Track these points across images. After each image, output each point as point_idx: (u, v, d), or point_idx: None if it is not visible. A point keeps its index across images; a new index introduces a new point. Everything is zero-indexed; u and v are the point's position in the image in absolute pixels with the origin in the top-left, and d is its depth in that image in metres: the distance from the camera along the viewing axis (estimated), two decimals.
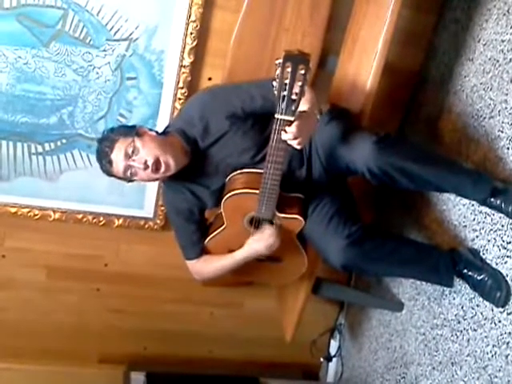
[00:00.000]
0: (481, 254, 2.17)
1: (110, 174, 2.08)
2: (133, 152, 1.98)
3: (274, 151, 1.84)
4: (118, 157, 2.00)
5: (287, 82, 1.60)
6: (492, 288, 2.05)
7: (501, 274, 2.05)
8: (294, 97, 1.64)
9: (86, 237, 2.90)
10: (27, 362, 3.09)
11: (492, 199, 2.01)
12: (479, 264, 2.14)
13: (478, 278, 2.11)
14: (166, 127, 2.23)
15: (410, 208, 2.72)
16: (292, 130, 1.72)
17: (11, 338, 3.08)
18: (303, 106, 1.79)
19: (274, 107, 1.70)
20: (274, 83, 1.63)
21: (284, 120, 1.71)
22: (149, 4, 2.38)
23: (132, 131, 2.04)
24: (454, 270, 2.21)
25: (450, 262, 2.22)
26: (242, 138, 2.10)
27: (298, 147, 1.80)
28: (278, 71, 1.59)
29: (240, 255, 2.23)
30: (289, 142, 1.76)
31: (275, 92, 1.64)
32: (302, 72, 1.58)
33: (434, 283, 2.35)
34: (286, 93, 1.63)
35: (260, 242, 2.15)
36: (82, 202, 2.77)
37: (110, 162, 2.02)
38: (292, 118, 1.70)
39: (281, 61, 1.58)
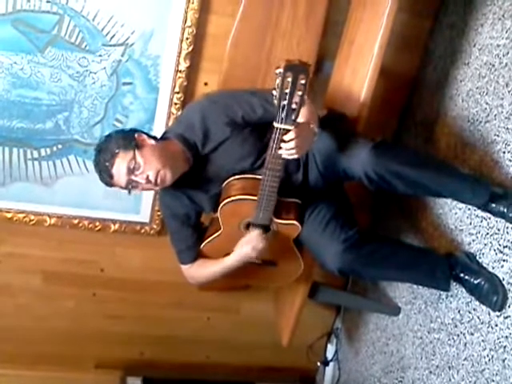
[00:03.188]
0: (477, 257, 2.17)
1: (109, 185, 2.07)
2: (134, 168, 1.97)
3: (273, 159, 1.85)
4: (119, 172, 1.98)
5: (287, 91, 1.60)
6: (489, 292, 2.05)
7: (497, 277, 2.05)
8: (293, 106, 1.64)
9: (82, 242, 2.89)
10: (23, 367, 3.09)
11: (493, 204, 2.00)
12: (476, 268, 2.14)
13: (475, 281, 2.11)
14: (165, 132, 2.22)
15: (406, 212, 2.72)
16: (290, 137, 1.72)
17: (7, 344, 3.08)
18: (302, 119, 1.80)
19: (274, 118, 1.71)
20: (274, 92, 1.63)
21: (283, 129, 1.71)
22: (144, 9, 2.38)
23: (131, 142, 2.01)
24: (451, 275, 2.22)
25: (447, 267, 2.22)
26: (241, 144, 2.10)
27: (295, 157, 1.80)
28: (278, 80, 1.59)
29: (230, 260, 2.23)
30: (286, 151, 1.77)
31: (275, 101, 1.64)
32: (303, 82, 1.59)
33: (431, 287, 2.35)
34: (286, 102, 1.63)
35: (247, 245, 2.14)
36: (78, 207, 2.77)
37: (111, 176, 2.01)
38: (291, 128, 1.71)
39: (281, 70, 1.58)
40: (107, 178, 2.03)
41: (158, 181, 1.98)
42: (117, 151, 1.99)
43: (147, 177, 1.97)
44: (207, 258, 2.32)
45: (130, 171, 1.98)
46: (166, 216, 2.33)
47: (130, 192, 2.06)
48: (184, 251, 2.32)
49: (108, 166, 2.00)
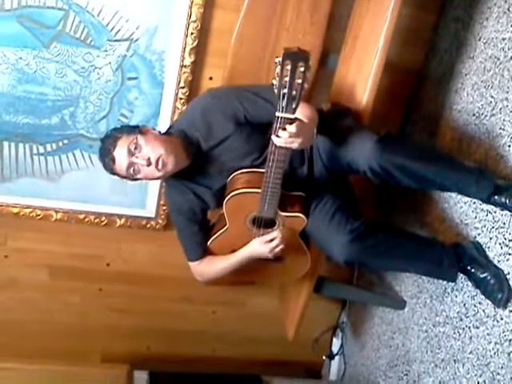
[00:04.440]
0: (485, 248, 2.17)
1: (112, 171, 2.07)
2: (135, 149, 1.98)
3: (276, 150, 1.84)
4: (120, 154, 2.00)
5: (287, 79, 1.60)
6: (494, 288, 2.05)
7: (503, 273, 2.05)
8: (294, 94, 1.64)
9: (88, 237, 2.90)
10: (30, 361, 3.08)
11: (496, 197, 2.00)
12: (483, 261, 2.13)
13: (481, 275, 2.11)
14: (169, 127, 2.23)
15: (411, 206, 2.72)
16: (292, 129, 1.73)
17: (14, 338, 3.09)
18: (304, 118, 1.81)
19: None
20: (274, 81, 1.62)
21: (284, 118, 1.71)
22: (149, 4, 2.38)
23: (135, 129, 2.05)
24: (458, 265, 2.21)
25: (454, 257, 2.21)
26: (245, 141, 2.10)
27: (294, 146, 1.80)
28: (278, 69, 1.59)
29: (243, 254, 2.24)
30: (288, 139, 1.77)
31: (275, 90, 1.64)
32: (302, 69, 1.58)
33: (438, 278, 2.35)
34: (285, 90, 1.63)
35: (265, 245, 2.16)
36: (84, 202, 2.78)
37: (113, 160, 2.02)
38: (292, 116, 1.70)
39: (280, 59, 1.58)
40: (109, 163, 2.04)
41: (160, 165, 1.99)
42: (120, 136, 2.02)
43: (148, 158, 1.98)
44: (215, 254, 2.33)
45: (131, 153, 1.99)
46: (172, 211, 2.34)
47: (133, 179, 2.07)
48: (191, 248, 2.33)
49: (110, 148, 2.01)
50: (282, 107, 1.68)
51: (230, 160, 2.14)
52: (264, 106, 2.04)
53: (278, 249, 2.16)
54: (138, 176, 2.05)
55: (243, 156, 2.13)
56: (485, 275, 2.09)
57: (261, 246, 2.18)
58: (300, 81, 1.61)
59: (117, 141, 2.01)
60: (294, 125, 1.72)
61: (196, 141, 2.11)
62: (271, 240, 2.15)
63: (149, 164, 1.99)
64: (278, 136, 1.76)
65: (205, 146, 2.12)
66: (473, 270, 2.15)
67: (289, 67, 1.58)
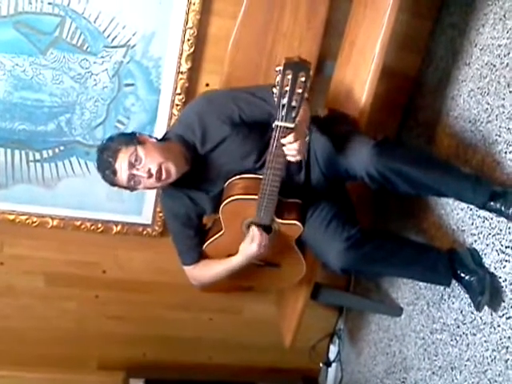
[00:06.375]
0: (481, 255, 2.17)
1: (113, 183, 2.06)
2: (136, 161, 1.97)
3: (274, 158, 1.84)
4: (121, 166, 1.98)
5: (287, 89, 1.60)
6: (476, 292, 2.07)
7: (491, 279, 2.05)
8: (294, 104, 1.64)
9: (85, 244, 2.90)
10: (26, 369, 3.09)
11: (491, 203, 1.99)
12: (472, 267, 2.14)
13: (468, 280, 2.13)
14: (165, 134, 2.23)
15: (408, 213, 2.72)
16: (289, 140, 1.73)
17: (10, 345, 3.08)
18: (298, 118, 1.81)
19: (272, 115, 1.71)
20: (274, 90, 1.62)
21: (284, 127, 1.71)
22: (146, 11, 2.39)
23: (133, 139, 2.02)
24: (452, 269, 2.22)
25: (448, 261, 2.22)
26: (242, 143, 2.09)
27: (298, 159, 1.81)
28: (278, 78, 1.59)
29: (236, 260, 2.22)
30: (288, 148, 1.77)
31: (275, 99, 1.64)
32: (303, 79, 1.59)
33: (433, 283, 2.35)
34: (286, 100, 1.63)
35: (252, 243, 2.14)
36: (80, 208, 2.77)
37: (114, 172, 2.00)
38: (292, 125, 1.70)
39: (281, 68, 1.57)
40: (111, 176, 2.02)
41: (163, 175, 1.98)
42: (119, 147, 2.00)
43: (149, 170, 1.97)
44: (210, 258, 2.31)
45: (132, 165, 1.97)
46: (168, 217, 2.33)
47: (132, 190, 2.07)
48: (186, 252, 2.32)
49: (111, 161, 1.99)
50: (282, 116, 1.68)
51: (228, 163, 2.14)
52: (260, 105, 2.04)
53: (262, 244, 2.12)
54: (139, 187, 2.05)
55: (241, 158, 2.12)
56: (471, 280, 2.11)
57: (246, 247, 2.16)
58: (300, 90, 1.61)
59: (117, 153, 1.99)
60: (292, 138, 1.73)
61: (193, 145, 2.11)
62: (253, 238, 2.13)
63: (149, 176, 1.98)
64: (281, 150, 1.77)
65: (202, 150, 2.12)
66: (462, 275, 2.16)
67: (290, 77, 1.58)
